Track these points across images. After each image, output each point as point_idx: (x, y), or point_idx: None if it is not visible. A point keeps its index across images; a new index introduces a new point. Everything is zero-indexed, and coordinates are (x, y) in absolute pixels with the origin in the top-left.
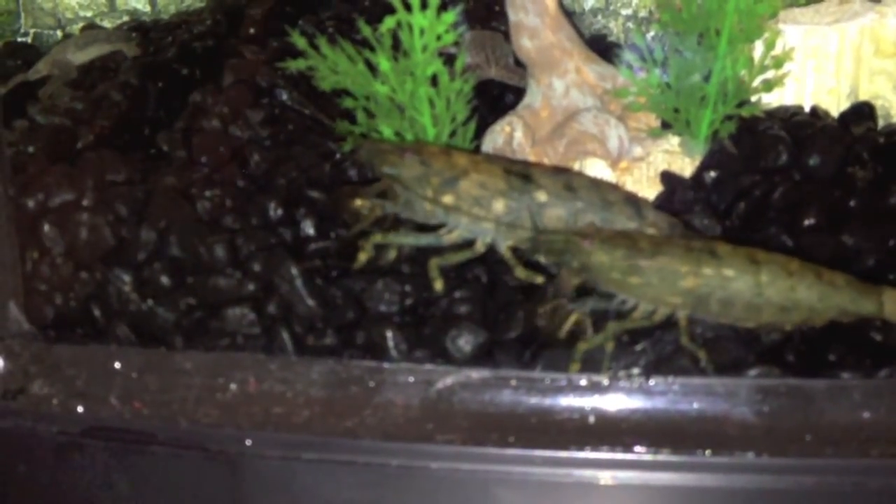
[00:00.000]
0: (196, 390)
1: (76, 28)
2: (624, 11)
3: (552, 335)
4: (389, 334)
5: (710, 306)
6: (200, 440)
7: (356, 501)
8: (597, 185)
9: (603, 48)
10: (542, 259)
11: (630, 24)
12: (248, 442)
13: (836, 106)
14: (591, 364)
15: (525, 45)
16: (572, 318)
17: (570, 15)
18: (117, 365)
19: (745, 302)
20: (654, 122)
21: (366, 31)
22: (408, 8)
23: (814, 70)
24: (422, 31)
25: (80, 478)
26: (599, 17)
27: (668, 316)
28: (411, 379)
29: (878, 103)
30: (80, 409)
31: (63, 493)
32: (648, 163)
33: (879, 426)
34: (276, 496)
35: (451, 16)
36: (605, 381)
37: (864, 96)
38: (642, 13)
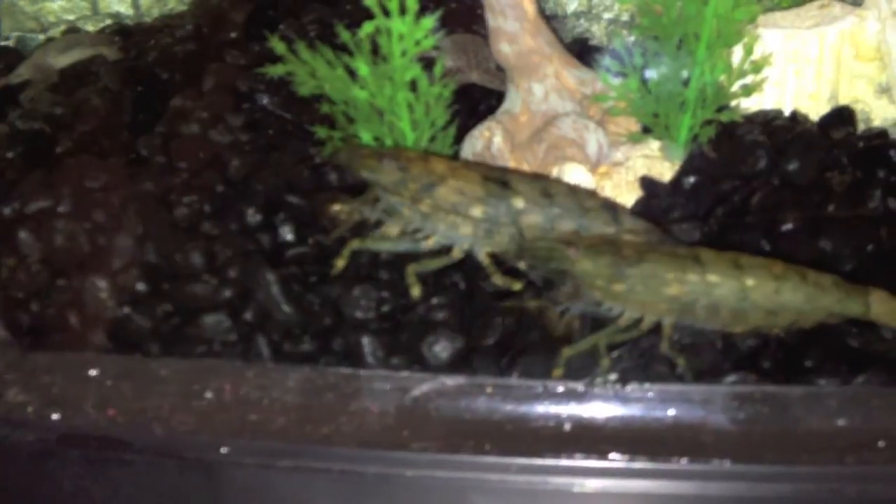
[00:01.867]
0: (172, 398)
1: (58, 32)
2: (606, 15)
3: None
4: (366, 341)
5: (696, 313)
6: (177, 448)
7: None
8: (574, 191)
9: (585, 52)
10: (521, 266)
11: (613, 28)
12: (224, 450)
13: (816, 110)
14: (572, 371)
15: (504, 50)
16: (566, 321)
17: (552, 18)
18: (93, 372)
19: (731, 307)
20: (634, 126)
21: (345, 36)
22: (386, 13)
23: (794, 74)
24: (400, 37)
25: (56, 486)
26: (582, 20)
27: (654, 323)
28: (387, 386)
29: (858, 107)
30: (55, 416)
31: (38, 501)
32: (628, 168)
33: (855, 433)
34: None
35: (429, 21)
36: (581, 388)
37: (844, 100)
38: (624, 17)
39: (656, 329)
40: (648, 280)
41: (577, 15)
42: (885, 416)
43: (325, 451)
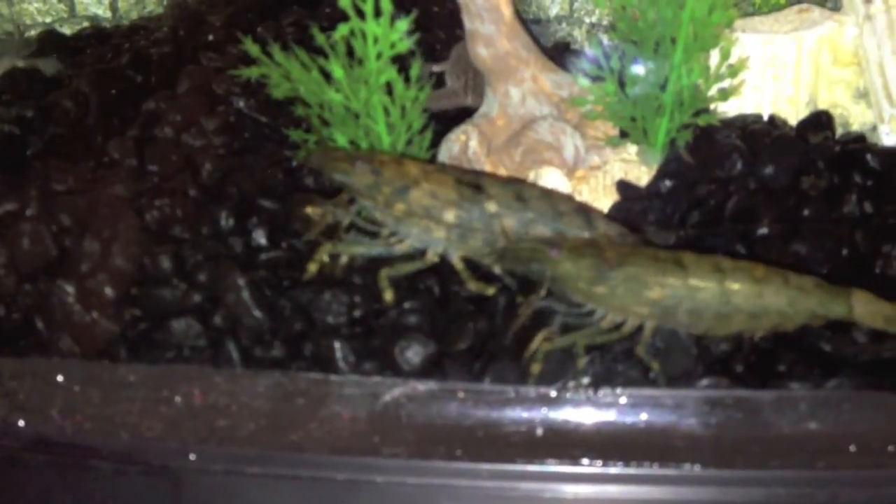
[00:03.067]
0: (140, 403)
1: (34, 33)
2: (587, 19)
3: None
4: (337, 346)
5: (678, 317)
6: (144, 455)
7: None
8: (548, 195)
9: (566, 56)
10: (496, 270)
11: (593, 32)
12: (192, 456)
13: (795, 114)
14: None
15: (481, 53)
16: (542, 335)
17: (534, 22)
18: (60, 378)
19: (714, 311)
20: (612, 130)
21: (320, 38)
22: (361, 15)
23: (772, 79)
24: (375, 39)
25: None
26: (564, 24)
27: (636, 327)
28: (358, 391)
29: (836, 112)
30: (21, 423)
31: None
32: (605, 171)
33: (826, 437)
34: None
35: (404, 24)
36: (554, 393)
37: (822, 105)
38: (605, 21)
39: (636, 332)
40: (630, 283)
41: (558, 19)
42: (856, 421)
43: (295, 457)
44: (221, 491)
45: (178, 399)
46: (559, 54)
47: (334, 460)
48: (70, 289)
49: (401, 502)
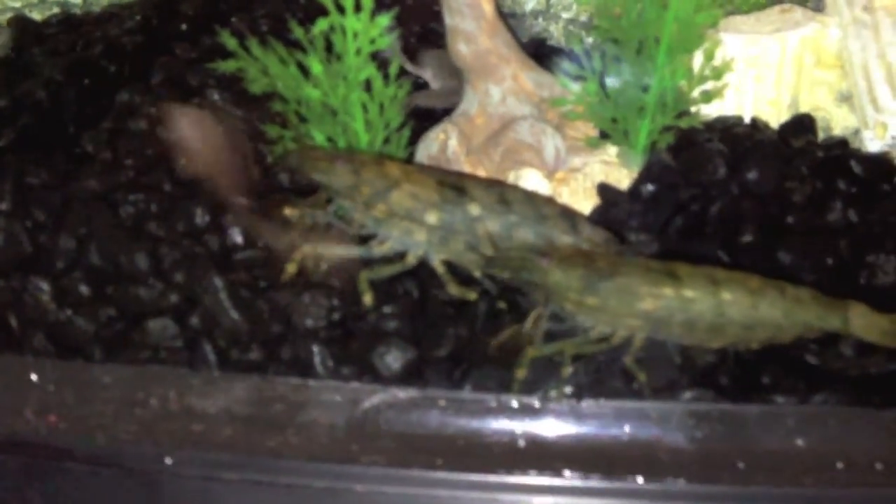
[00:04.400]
0: (115, 405)
1: (4, 19)
2: (565, 14)
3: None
4: (315, 350)
5: (671, 328)
6: (118, 457)
7: None
8: (531, 198)
9: (543, 52)
10: (477, 274)
11: (571, 28)
12: (168, 461)
13: (776, 117)
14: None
15: (461, 50)
16: (510, 331)
17: (510, 16)
18: (34, 377)
19: (708, 323)
20: (593, 131)
21: (298, 32)
22: (341, 10)
23: (754, 80)
24: (355, 35)
25: None
26: (540, 19)
27: (625, 339)
28: (337, 397)
29: (818, 115)
30: None
31: None
32: (585, 174)
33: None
34: None
35: (384, 19)
36: (537, 404)
37: (804, 107)
38: (583, 17)
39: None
40: (622, 294)
41: (534, 14)
42: (843, 436)
43: (272, 463)
44: (197, 497)
45: (153, 401)
46: (535, 50)
47: (312, 467)
48: (44, 286)
49: None
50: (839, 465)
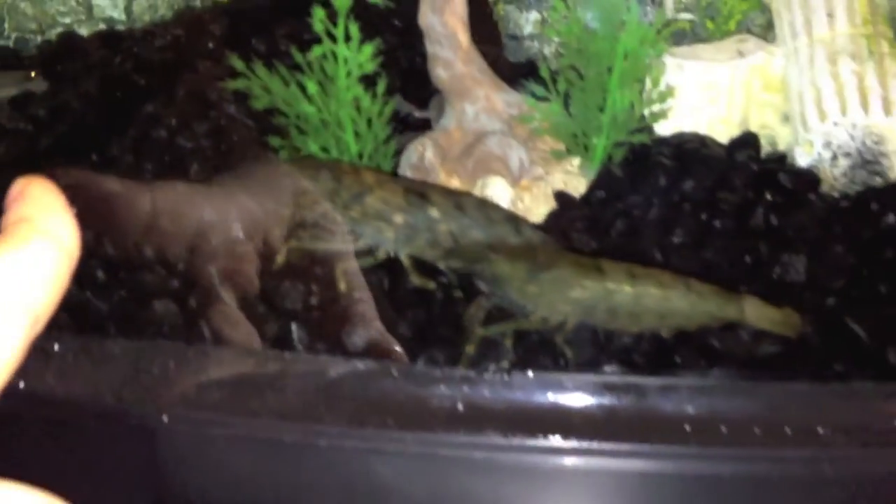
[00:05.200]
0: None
1: (54, 33)
2: (556, 38)
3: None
4: (293, 328)
5: (597, 314)
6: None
7: (256, 471)
8: (483, 204)
9: (534, 73)
10: (441, 265)
11: (561, 51)
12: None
13: (727, 134)
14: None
15: (440, 74)
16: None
17: (511, 38)
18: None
19: (627, 311)
20: (558, 145)
21: (297, 57)
22: (332, 39)
23: (709, 101)
24: (345, 60)
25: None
26: (535, 42)
27: (559, 322)
28: (309, 367)
29: (765, 133)
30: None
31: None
32: (547, 182)
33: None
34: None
35: (370, 48)
36: (473, 375)
37: (753, 126)
38: None
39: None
40: (556, 284)
41: (531, 37)
42: (729, 405)
43: (252, 422)
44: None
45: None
46: (530, 70)
47: (285, 426)
48: None
49: (340, 463)
50: (723, 428)
